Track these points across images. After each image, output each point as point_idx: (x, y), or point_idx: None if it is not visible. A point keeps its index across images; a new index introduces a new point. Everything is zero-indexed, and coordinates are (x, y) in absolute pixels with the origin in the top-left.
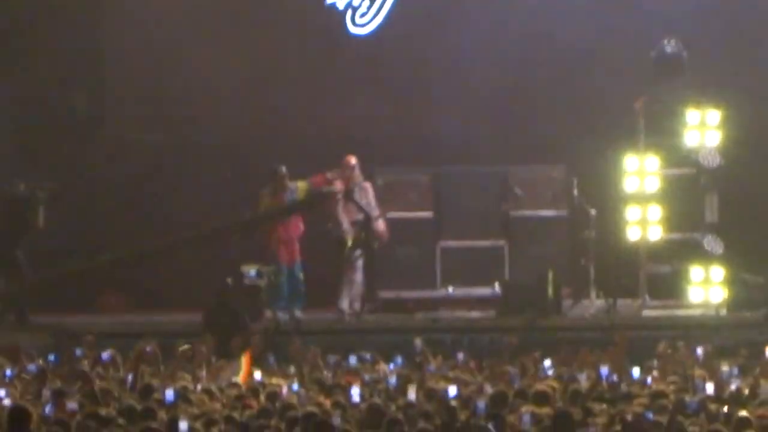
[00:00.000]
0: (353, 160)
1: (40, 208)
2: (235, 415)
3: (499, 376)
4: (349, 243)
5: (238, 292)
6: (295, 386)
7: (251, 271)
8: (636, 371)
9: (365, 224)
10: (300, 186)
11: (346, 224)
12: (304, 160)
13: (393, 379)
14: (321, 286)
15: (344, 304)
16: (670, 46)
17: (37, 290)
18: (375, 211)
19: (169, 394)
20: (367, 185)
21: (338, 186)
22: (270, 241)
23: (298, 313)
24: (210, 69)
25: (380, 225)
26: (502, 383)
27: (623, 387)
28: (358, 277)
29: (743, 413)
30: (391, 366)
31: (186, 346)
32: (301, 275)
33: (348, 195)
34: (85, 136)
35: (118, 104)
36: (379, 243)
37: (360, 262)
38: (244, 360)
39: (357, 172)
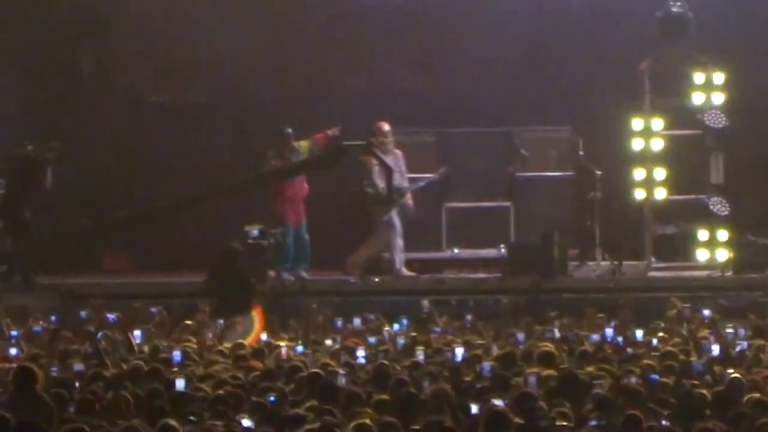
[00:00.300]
0: (386, 126)
1: (48, 168)
2: (240, 375)
3: (504, 337)
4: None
5: (242, 253)
6: (300, 348)
7: (254, 230)
8: (639, 333)
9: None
10: (302, 145)
11: (382, 186)
12: (308, 122)
13: (401, 340)
14: (326, 247)
15: (400, 266)
16: (675, 6)
17: (45, 251)
18: (405, 181)
19: (176, 355)
20: (399, 153)
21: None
22: (276, 201)
23: (303, 274)
24: (216, 31)
25: (408, 197)
26: (508, 345)
27: (628, 349)
28: (401, 240)
29: (736, 374)
30: (396, 327)
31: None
32: (306, 236)
33: (382, 162)
34: (91, 96)
35: (125, 65)
36: (406, 214)
37: (399, 225)
38: (257, 319)
39: (390, 138)
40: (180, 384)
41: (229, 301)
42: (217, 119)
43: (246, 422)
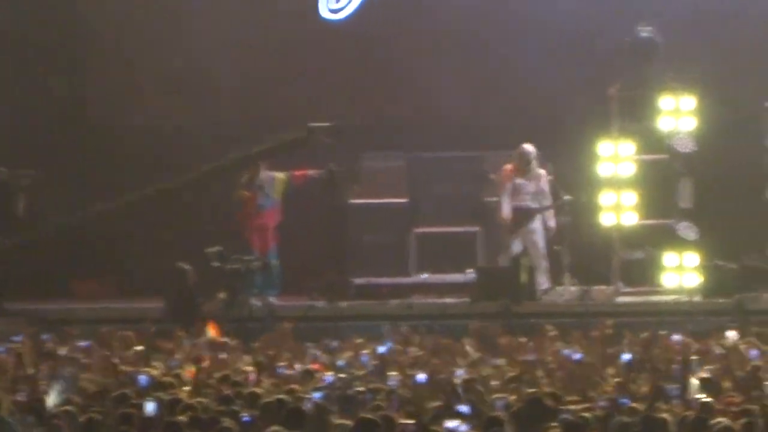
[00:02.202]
0: (528, 147)
1: (20, 195)
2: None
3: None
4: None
5: (190, 272)
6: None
7: (215, 254)
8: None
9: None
10: (278, 177)
11: (506, 209)
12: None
13: (372, 363)
14: (294, 272)
15: (545, 283)
16: (645, 31)
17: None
18: (546, 200)
19: (143, 379)
20: (542, 173)
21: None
22: (243, 228)
23: (272, 300)
24: (185, 52)
25: (551, 219)
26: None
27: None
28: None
29: (707, 399)
30: (382, 349)
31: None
32: (275, 262)
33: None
34: (65, 121)
35: (98, 88)
36: (548, 234)
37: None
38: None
39: (531, 159)
40: (150, 408)
41: (178, 320)
42: (193, 143)
43: None
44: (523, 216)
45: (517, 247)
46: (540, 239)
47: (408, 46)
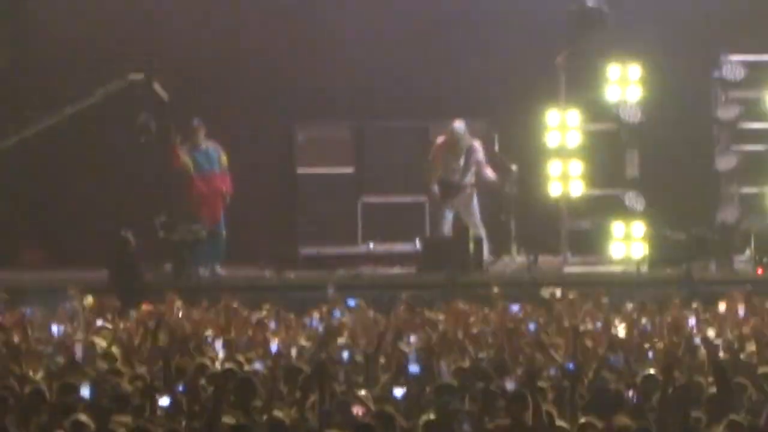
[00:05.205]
0: (458, 125)
1: None
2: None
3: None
4: None
5: (131, 242)
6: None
7: (161, 224)
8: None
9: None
10: (223, 158)
11: (434, 183)
12: (222, 112)
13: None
14: (240, 242)
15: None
16: (591, 0)
17: None
18: (482, 171)
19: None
20: (475, 144)
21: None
22: (191, 198)
23: (218, 270)
24: (131, 18)
25: (487, 172)
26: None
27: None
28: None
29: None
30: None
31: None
32: (223, 232)
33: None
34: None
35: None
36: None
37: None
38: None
39: (460, 137)
40: (85, 392)
41: (120, 289)
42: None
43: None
44: (451, 189)
45: (449, 217)
46: (474, 209)
47: (352, 14)
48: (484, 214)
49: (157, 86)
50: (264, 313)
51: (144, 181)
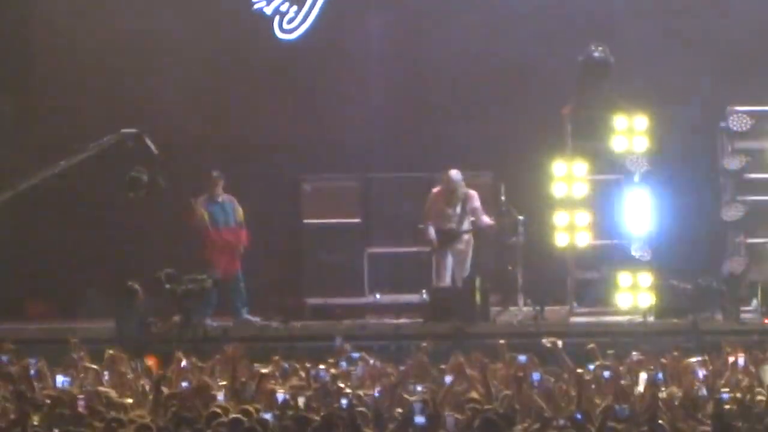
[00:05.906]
0: (453, 174)
1: None
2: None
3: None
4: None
5: (138, 293)
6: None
7: (167, 276)
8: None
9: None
10: (239, 211)
11: (431, 232)
12: (230, 166)
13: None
14: (247, 292)
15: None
16: (597, 51)
17: None
18: (480, 218)
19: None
20: (471, 193)
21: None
22: (206, 246)
23: (247, 316)
24: (133, 74)
25: (484, 219)
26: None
27: None
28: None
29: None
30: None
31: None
32: (242, 283)
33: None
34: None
35: (46, 111)
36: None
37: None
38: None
39: (456, 187)
40: None
41: (127, 341)
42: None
43: None
44: (447, 238)
45: (449, 264)
46: (466, 259)
47: (359, 67)
48: (491, 264)
49: (148, 140)
50: (271, 367)
51: (151, 233)
